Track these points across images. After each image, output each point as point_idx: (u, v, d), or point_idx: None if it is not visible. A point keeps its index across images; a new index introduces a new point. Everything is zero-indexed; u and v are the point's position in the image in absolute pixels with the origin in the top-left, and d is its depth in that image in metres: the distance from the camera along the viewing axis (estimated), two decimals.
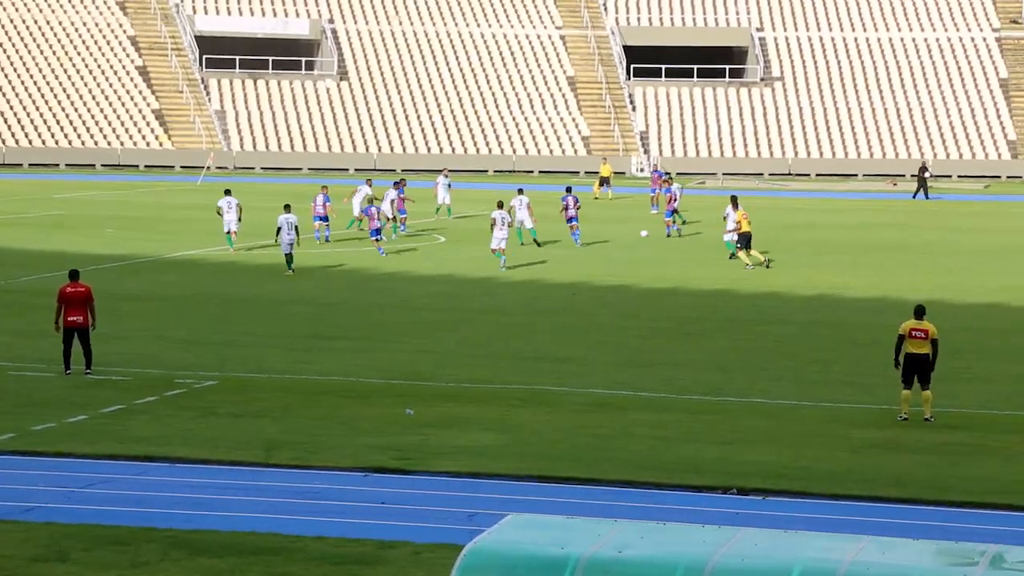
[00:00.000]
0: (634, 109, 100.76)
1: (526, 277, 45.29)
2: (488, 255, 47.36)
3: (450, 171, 68.09)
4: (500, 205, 48.18)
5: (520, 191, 55.96)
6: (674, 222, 57.95)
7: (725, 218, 49.74)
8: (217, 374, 29.57)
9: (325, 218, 52.88)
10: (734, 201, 49.44)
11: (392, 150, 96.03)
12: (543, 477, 22.46)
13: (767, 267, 47.72)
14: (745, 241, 47.81)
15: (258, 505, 20.96)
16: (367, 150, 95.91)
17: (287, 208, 45.46)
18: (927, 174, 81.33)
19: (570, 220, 53.77)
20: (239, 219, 50.05)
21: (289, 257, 44.34)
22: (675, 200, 58.18)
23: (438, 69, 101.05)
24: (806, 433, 25.51)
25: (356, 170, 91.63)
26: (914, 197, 79.82)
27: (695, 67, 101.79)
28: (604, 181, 77.50)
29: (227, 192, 52.09)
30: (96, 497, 21.14)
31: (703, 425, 25.95)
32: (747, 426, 25.93)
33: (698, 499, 21.50)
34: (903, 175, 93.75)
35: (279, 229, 44.34)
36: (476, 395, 28.21)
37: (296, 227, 44.49)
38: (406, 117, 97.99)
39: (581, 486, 22.05)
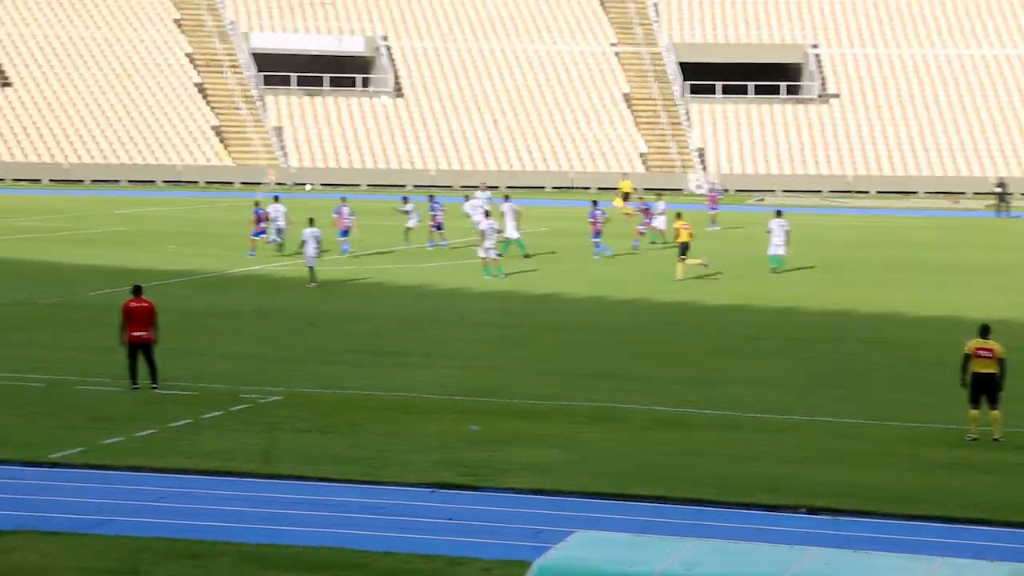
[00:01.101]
0: (690, 126, 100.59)
1: (588, 294, 45.25)
2: (561, 271, 47.33)
3: (506, 187, 68.43)
4: (487, 215, 48.85)
5: (507, 198, 56.75)
6: (641, 239, 58.32)
7: (769, 232, 50.72)
8: (282, 389, 29.65)
9: (348, 231, 53.94)
10: (679, 215, 52.33)
11: (449, 166, 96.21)
12: (610, 494, 22.38)
13: (706, 268, 49.03)
14: (683, 250, 49.11)
15: (327, 520, 20.99)
16: (424, 166, 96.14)
17: (311, 222, 46.04)
18: (1003, 189, 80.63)
19: (596, 234, 54.60)
20: (287, 226, 53.12)
21: (311, 271, 45.16)
22: (652, 218, 59.13)
23: (493, 86, 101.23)
24: (874, 452, 25.33)
25: (414, 186, 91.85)
26: (999, 215, 79.17)
27: (751, 84, 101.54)
28: (626, 196, 77.96)
29: (276, 199, 55.21)
30: (167, 511, 21.22)
31: (770, 444, 25.81)
32: (815, 445, 25.77)
33: (767, 518, 21.37)
34: (964, 192, 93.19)
35: (303, 242, 45.04)
36: (541, 412, 28.17)
37: (319, 240, 45.39)
38: (463, 134, 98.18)
39: (648, 504, 21.95)
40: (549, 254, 55.61)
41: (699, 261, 49.39)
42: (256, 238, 52.86)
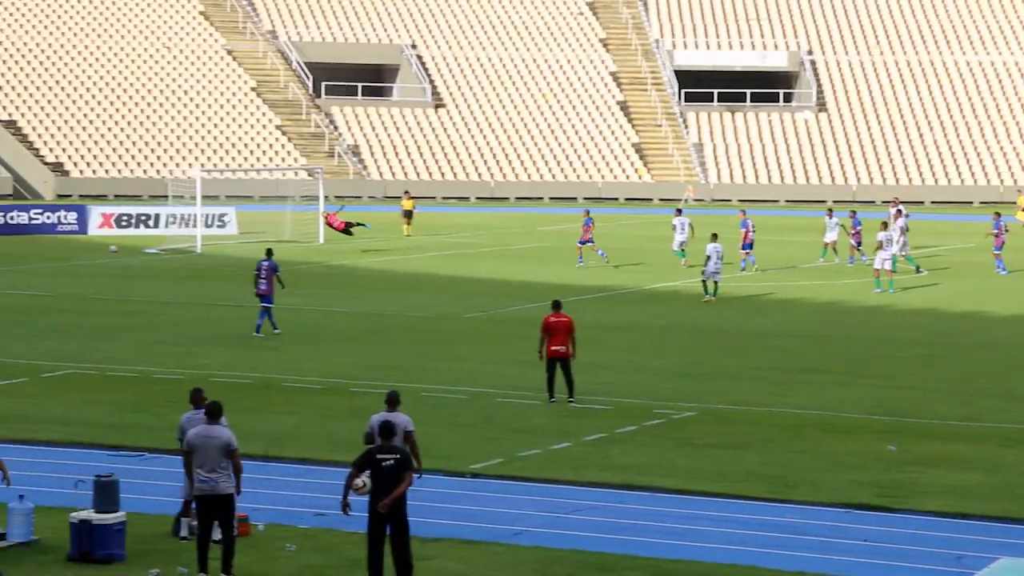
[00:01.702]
0: None
1: (1013, 311, 43.74)
2: (968, 289, 45.94)
3: (930, 203, 66.70)
4: (884, 226, 47.39)
5: (899, 211, 55.56)
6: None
7: None
8: (696, 405, 29.73)
9: (751, 246, 53.73)
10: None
11: (872, 181, 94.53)
12: None
13: None
14: None
15: (738, 537, 20.93)
16: (845, 182, 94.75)
17: (714, 237, 46.01)
18: None
19: (998, 247, 52.98)
20: (688, 238, 54.24)
21: (710, 285, 45.14)
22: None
23: (920, 99, 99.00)
24: None
25: (834, 202, 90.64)
26: None
27: None
28: None
29: (678, 212, 56.33)
30: (580, 523, 21.54)
31: None
32: None
33: None
34: None
35: (707, 257, 45.02)
36: (962, 433, 27.40)
37: (721, 255, 45.38)
38: (886, 148, 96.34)
39: None
40: (944, 269, 54.07)
41: None
42: (581, 246, 54.04)
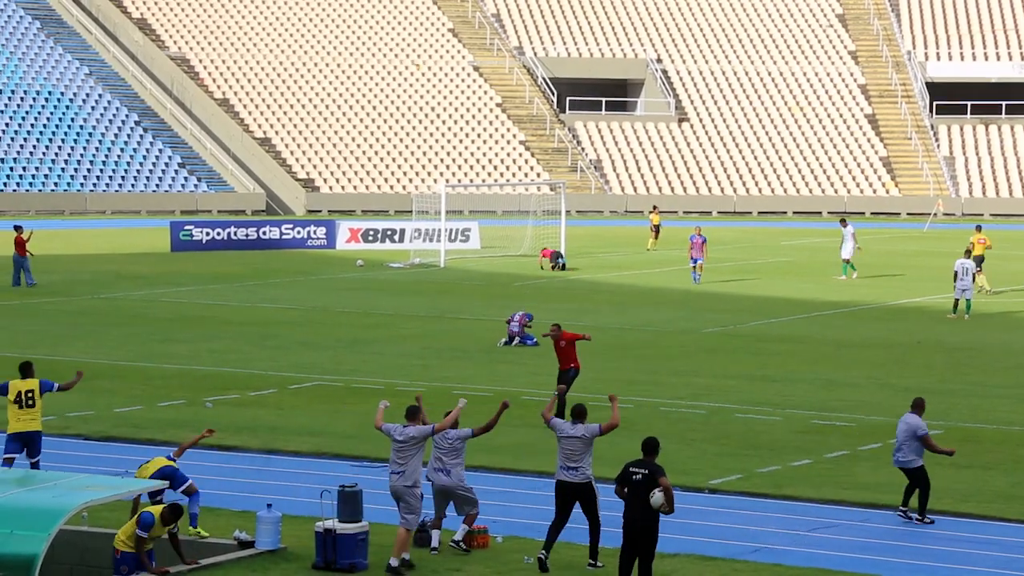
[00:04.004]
0: None
1: None
2: None
3: None
4: (968, 254, 45.88)
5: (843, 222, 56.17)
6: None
7: None
8: (942, 423, 28.96)
9: None
10: (978, 228, 52.31)
11: None
12: None
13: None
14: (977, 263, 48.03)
15: (986, 559, 20.50)
16: None
17: (967, 253, 45.36)
18: None
19: None
20: (853, 249, 54.31)
21: (962, 302, 44.22)
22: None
23: None
24: None
25: None
26: None
27: None
28: None
29: (843, 222, 56.24)
30: (821, 541, 21.23)
31: None
32: None
33: None
34: None
35: (956, 274, 44.07)
36: None
37: (973, 273, 44.50)
38: None
39: None
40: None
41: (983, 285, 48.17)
42: (694, 264, 53.04)
